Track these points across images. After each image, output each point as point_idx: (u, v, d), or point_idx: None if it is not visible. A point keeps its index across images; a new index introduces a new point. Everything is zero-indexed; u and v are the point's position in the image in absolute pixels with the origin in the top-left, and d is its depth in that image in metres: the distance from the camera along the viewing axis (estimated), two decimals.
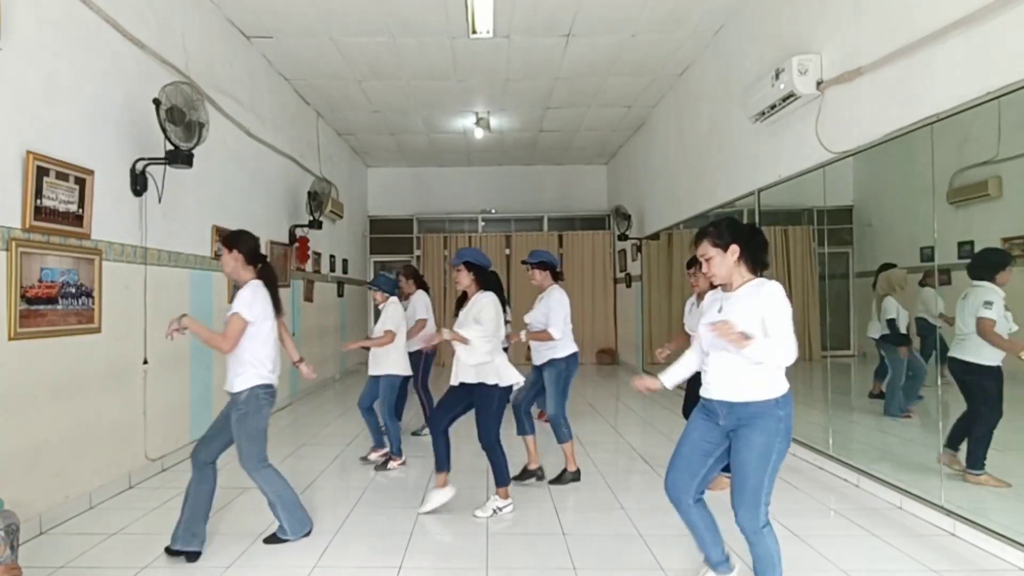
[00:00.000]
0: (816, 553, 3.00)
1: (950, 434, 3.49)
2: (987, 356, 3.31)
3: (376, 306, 4.75)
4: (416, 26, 5.93)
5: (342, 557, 3.01)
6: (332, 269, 9.21)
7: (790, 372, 2.35)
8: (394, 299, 4.69)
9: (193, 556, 2.95)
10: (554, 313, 4.03)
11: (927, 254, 3.54)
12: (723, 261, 2.30)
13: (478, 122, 8.86)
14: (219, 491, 3.79)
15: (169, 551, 2.98)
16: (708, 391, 2.34)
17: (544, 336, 4.05)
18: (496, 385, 3.48)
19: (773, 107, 4.80)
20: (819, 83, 4.35)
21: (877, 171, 4.13)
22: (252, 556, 3.02)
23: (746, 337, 2.09)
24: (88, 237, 3.68)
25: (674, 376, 2.57)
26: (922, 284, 3.77)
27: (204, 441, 3.08)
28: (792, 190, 4.90)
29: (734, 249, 2.28)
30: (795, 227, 5.56)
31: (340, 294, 9.62)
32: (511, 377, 3.53)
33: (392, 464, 4.55)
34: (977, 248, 3.37)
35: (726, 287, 2.35)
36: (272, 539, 3.15)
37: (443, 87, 7.59)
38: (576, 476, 4.16)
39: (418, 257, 11.47)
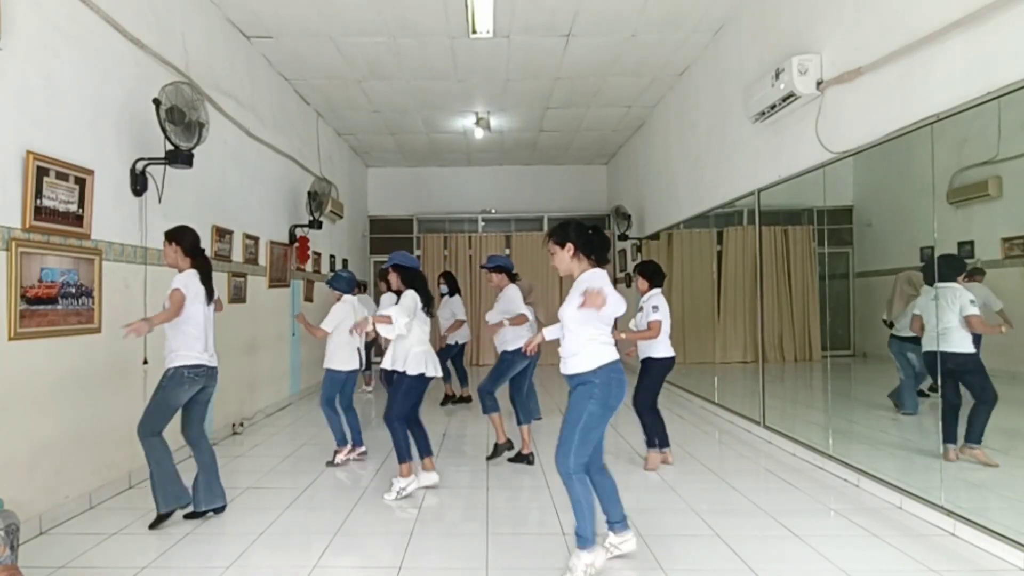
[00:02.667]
0: (816, 553, 3.00)
1: (944, 431, 3.55)
2: (970, 345, 3.60)
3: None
4: (416, 26, 5.93)
5: (342, 557, 3.01)
6: (332, 269, 9.20)
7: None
8: (347, 298, 4.86)
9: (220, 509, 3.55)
10: (514, 305, 4.69)
11: (927, 254, 3.54)
12: (562, 257, 2.82)
13: (478, 122, 8.86)
14: None
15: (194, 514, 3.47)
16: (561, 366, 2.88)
17: (520, 320, 4.68)
18: (405, 372, 3.94)
19: (773, 107, 4.80)
20: (819, 83, 4.35)
21: (877, 171, 4.13)
22: (252, 556, 3.02)
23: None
24: (88, 237, 3.68)
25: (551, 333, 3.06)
26: (970, 280, 3.71)
27: (184, 425, 3.57)
28: (792, 190, 4.90)
29: (569, 247, 2.80)
30: (795, 227, 5.57)
31: None
32: (418, 368, 3.95)
33: (339, 457, 4.72)
34: (978, 248, 3.38)
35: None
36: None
37: (443, 87, 7.59)
38: (509, 446, 4.73)
39: (418, 257, 11.48)
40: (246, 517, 3.54)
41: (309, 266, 7.97)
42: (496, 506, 3.72)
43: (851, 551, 3.02)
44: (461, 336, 6.89)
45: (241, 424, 5.73)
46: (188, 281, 3.36)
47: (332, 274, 5.00)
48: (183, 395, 3.37)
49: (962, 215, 3.40)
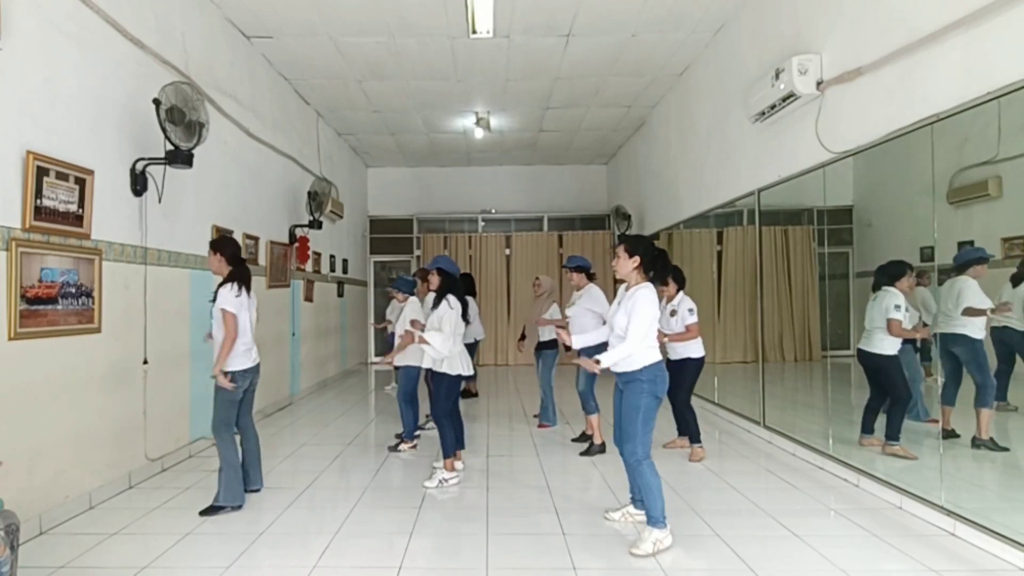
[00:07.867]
0: (816, 553, 3.00)
1: (863, 421, 4.16)
2: (888, 347, 3.96)
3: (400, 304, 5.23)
4: (416, 26, 5.93)
5: (342, 557, 3.01)
6: (332, 269, 9.21)
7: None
8: (414, 299, 5.06)
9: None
10: (598, 305, 4.94)
11: (927, 254, 3.54)
12: (626, 264, 3.15)
13: (478, 122, 8.86)
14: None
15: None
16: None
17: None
18: (446, 373, 4.15)
19: (773, 107, 4.80)
20: (819, 83, 4.35)
21: (877, 171, 4.12)
22: (252, 556, 3.02)
23: (597, 363, 3.02)
24: (88, 237, 3.68)
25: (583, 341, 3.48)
26: (917, 284, 3.83)
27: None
28: (792, 190, 4.90)
29: (635, 259, 3.14)
30: (795, 227, 5.56)
31: (340, 294, 9.62)
32: (456, 368, 4.17)
33: (403, 447, 4.97)
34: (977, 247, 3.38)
35: (629, 285, 3.18)
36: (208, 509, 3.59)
37: (443, 87, 7.59)
38: (601, 449, 4.81)
39: (418, 257, 11.49)
40: (246, 517, 3.53)
41: (309, 266, 7.97)
42: (496, 506, 3.72)
43: (851, 551, 3.02)
44: (478, 333, 6.98)
45: None
46: (231, 298, 3.57)
47: (397, 278, 5.23)
48: (238, 392, 3.68)
49: (962, 215, 3.40)
